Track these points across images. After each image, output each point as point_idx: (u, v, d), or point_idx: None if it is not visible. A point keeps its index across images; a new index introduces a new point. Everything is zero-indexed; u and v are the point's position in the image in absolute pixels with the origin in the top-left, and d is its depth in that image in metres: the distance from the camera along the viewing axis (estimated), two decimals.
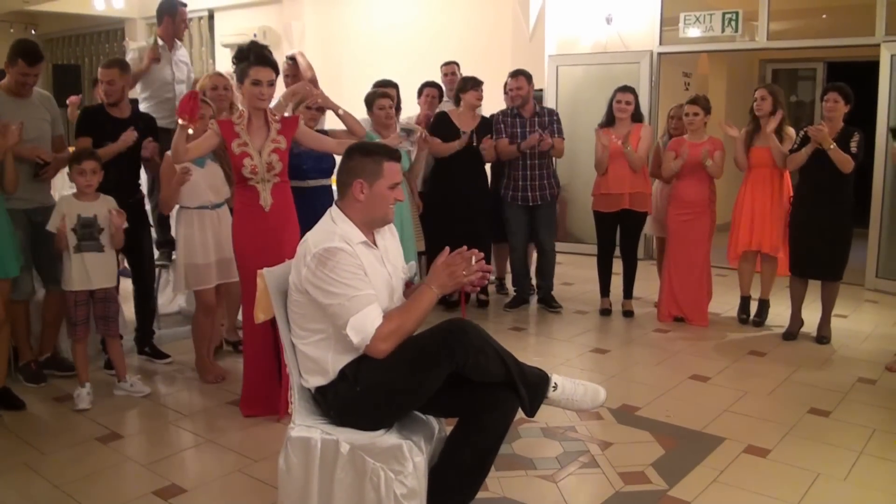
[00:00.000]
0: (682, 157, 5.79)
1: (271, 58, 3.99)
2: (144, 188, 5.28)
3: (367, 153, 2.87)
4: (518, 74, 6.21)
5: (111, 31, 14.32)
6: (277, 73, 4.02)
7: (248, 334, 4.22)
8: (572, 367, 5.04)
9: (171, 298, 6.18)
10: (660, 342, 5.64)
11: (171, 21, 5.94)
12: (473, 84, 6.16)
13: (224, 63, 12.31)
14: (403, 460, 2.62)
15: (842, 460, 3.67)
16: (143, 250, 5.03)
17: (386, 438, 2.69)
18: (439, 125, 6.20)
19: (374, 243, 2.89)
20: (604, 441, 3.87)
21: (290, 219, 4.21)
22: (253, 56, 3.92)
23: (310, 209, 4.61)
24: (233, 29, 12.32)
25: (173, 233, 5.10)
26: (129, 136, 4.67)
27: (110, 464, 3.65)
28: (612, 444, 3.83)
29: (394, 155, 2.90)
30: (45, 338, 4.83)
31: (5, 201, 4.33)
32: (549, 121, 6.25)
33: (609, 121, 6.14)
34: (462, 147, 6.02)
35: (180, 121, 3.89)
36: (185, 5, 6.06)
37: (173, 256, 5.30)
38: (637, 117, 6.14)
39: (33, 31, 14.97)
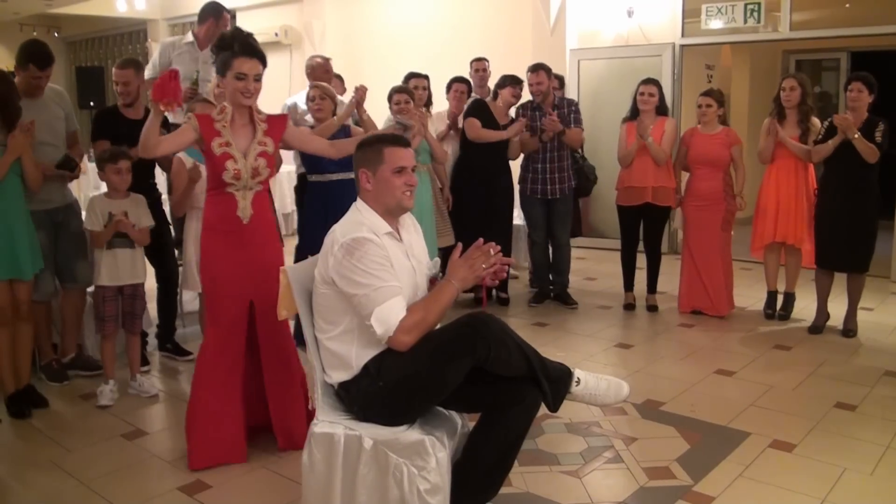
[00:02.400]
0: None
1: (258, 47, 3.50)
2: (163, 187, 5.28)
3: (366, 143, 2.92)
4: (538, 69, 6.19)
5: (134, 32, 14.44)
6: (265, 65, 3.52)
7: (201, 374, 3.62)
8: (596, 363, 5.02)
9: (194, 296, 6.21)
10: (684, 336, 5.60)
11: (215, 24, 5.88)
12: (513, 81, 6.17)
13: None
14: (426, 456, 2.62)
15: (868, 455, 3.63)
16: (166, 248, 5.06)
17: (409, 434, 2.69)
18: (478, 110, 6.20)
19: (399, 236, 2.90)
20: (628, 436, 3.85)
21: (271, 234, 3.70)
22: (237, 45, 3.43)
23: (333, 203, 4.62)
24: (254, 28, 12.30)
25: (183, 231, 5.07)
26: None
27: (136, 460, 3.69)
28: (636, 440, 3.81)
29: (396, 140, 2.92)
30: (67, 338, 4.84)
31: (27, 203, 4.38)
32: (569, 111, 6.26)
33: (634, 114, 6.10)
34: (507, 138, 6.06)
35: (160, 106, 3.34)
36: (232, 15, 6.03)
37: None
38: (662, 110, 6.10)
39: (56, 34, 15.14)
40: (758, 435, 3.84)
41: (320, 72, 5.97)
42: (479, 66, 7.04)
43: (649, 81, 6.05)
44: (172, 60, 5.83)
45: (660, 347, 5.40)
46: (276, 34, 12.02)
